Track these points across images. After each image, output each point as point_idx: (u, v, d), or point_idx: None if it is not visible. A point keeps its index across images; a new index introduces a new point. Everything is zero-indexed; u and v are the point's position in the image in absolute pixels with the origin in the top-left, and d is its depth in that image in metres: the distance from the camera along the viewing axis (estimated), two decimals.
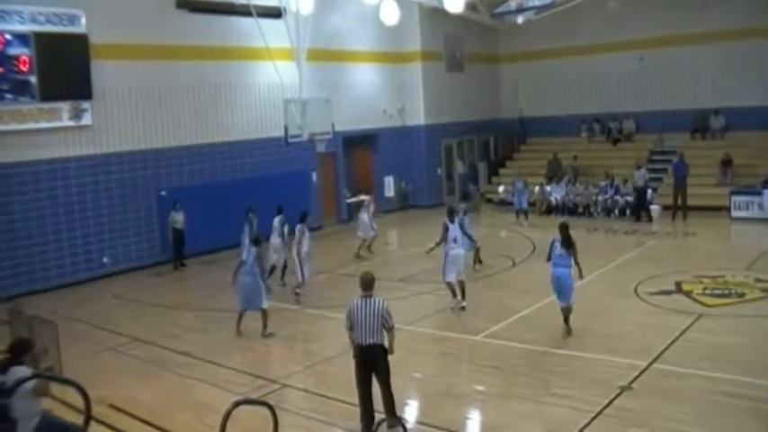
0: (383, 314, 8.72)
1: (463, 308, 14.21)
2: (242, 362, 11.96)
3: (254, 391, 10.26)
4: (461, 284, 14.43)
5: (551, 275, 12.50)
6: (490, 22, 30.17)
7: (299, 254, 15.90)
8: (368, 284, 8.96)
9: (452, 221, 14.52)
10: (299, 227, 16.07)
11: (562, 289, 12.37)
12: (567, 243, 12.56)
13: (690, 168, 24.28)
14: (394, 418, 8.74)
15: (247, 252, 13.51)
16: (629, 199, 24.59)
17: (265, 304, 13.34)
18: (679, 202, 23.84)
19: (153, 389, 11.04)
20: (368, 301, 8.81)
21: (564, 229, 12.81)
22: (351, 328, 8.92)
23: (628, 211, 24.41)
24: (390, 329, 8.83)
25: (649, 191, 24.83)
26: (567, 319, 12.44)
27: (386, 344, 8.86)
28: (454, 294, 14.41)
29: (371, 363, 8.84)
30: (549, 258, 12.65)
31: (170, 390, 11.03)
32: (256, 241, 13.64)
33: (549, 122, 31.68)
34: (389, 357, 8.99)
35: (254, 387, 10.64)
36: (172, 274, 19.71)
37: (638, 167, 24.57)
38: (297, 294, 15.91)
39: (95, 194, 19.12)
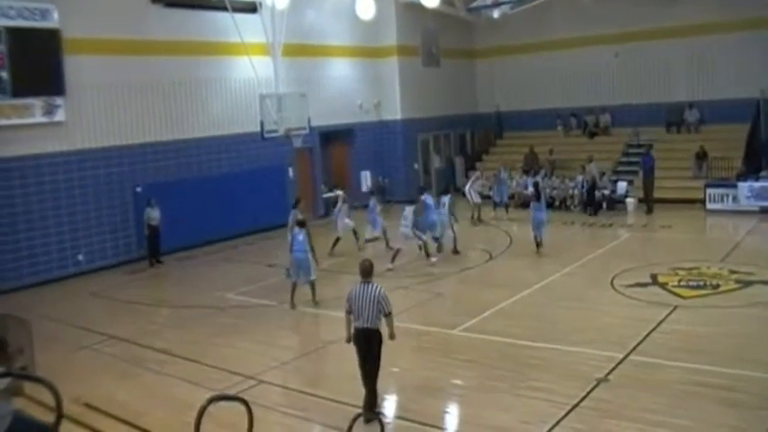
0: (380, 299, 9.16)
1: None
2: (219, 358, 11.88)
3: (231, 388, 10.19)
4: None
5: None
6: (466, 17, 30.20)
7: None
8: (367, 271, 9.44)
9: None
10: (292, 212, 17.26)
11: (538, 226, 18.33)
12: (537, 195, 18.51)
13: (657, 161, 24.50)
14: (371, 412, 8.85)
15: (297, 232, 14.83)
16: (606, 192, 24.74)
17: (314, 276, 14.72)
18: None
19: (129, 387, 10.96)
20: (366, 286, 9.28)
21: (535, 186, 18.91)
22: (349, 312, 9.35)
23: (604, 205, 24.53)
24: (388, 314, 9.27)
25: (625, 183, 25.01)
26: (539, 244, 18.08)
27: (382, 330, 9.26)
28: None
29: (366, 346, 9.24)
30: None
31: (147, 387, 10.95)
32: (303, 223, 15.02)
33: (525, 116, 31.79)
34: (390, 342, 9.39)
35: (231, 383, 10.57)
36: (148, 271, 19.55)
37: (590, 160, 24.68)
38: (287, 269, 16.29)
39: (69, 192, 18.90)
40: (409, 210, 18.08)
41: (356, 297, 9.24)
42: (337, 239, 20.15)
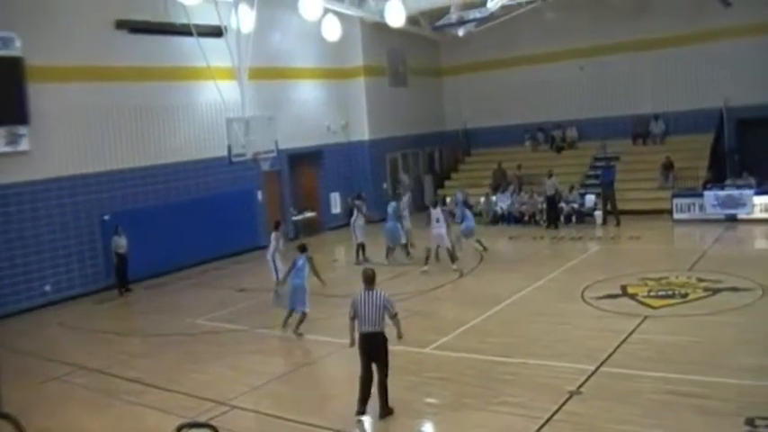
0: (385, 304, 9.72)
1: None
2: (191, 385, 11.75)
3: (202, 414, 10.08)
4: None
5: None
6: (432, 36, 30.40)
7: (273, 258, 17.20)
8: (369, 279, 9.92)
9: (434, 207, 19.26)
10: (273, 234, 17.55)
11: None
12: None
13: (624, 173, 24.83)
14: (386, 407, 9.70)
15: (297, 258, 14.40)
16: (575, 206, 24.93)
17: (308, 308, 14.31)
18: (609, 207, 24.20)
19: (100, 417, 10.79)
20: (370, 293, 9.78)
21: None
22: (353, 318, 9.88)
23: (574, 218, 24.71)
24: (394, 316, 9.89)
25: (593, 197, 25.21)
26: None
27: (387, 332, 9.76)
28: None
29: (372, 350, 9.67)
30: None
31: (118, 417, 10.78)
32: (304, 248, 14.70)
33: (493, 133, 32.01)
34: (398, 342, 10.10)
35: (203, 410, 10.45)
36: (117, 299, 19.32)
37: (550, 176, 24.79)
38: (276, 293, 16.61)
39: (35, 221, 18.65)
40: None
41: (361, 303, 9.71)
42: (361, 246, 20.95)
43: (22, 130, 18.11)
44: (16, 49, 17.91)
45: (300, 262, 14.33)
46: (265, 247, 18.32)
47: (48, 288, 18.87)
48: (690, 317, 13.20)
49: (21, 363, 13.64)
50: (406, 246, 20.77)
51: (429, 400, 10.40)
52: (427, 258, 19.20)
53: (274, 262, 17.22)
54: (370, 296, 9.74)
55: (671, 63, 27.25)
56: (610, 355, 11.28)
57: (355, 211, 21.50)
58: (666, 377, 10.18)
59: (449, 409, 10.00)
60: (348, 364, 10.92)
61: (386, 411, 9.70)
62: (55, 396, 11.92)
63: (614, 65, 28.46)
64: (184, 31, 20.56)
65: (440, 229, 18.76)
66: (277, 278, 16.67)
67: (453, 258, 18.76)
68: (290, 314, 14.45)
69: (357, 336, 9.87)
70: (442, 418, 9.86)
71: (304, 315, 14.25)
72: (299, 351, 13.58)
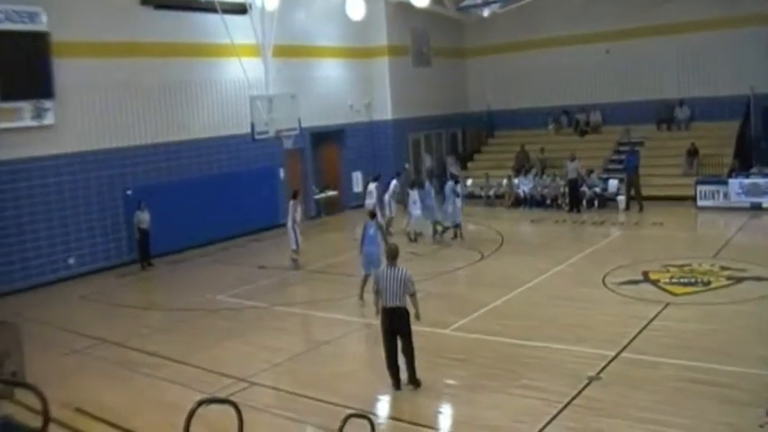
0: (405, 281, 9.88)
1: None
2: (209, 361, 11.82)
3: (221, 390, 10.15)
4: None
5: None
6: (456, 16, 30.21)
7: (293, 225, 18.22)
8: (392, 255, 10.17)
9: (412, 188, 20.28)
10: (291, 203, 18.55)
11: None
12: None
13: (648, 159, 24.56)
14: (415, 379, 9.97)
15: (368, 225, 15.15)
16: (598, 190, 24.77)
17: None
18: (632, 193, 24.02)
19: (120, 390, 10.89)
20: (393, 269, 10.01)
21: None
22: (377, 292, 10.08)
23: (596, 203, 24.56)
24: (413, 294, 10.00)
25: (616, 182, 25.02)
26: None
27: (409, 307, 9.95)
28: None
29: (395, 323, 9.89)
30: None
31: (137, 391, 10.89)
32: (373, 215, 16.03)
33: (516, 115, 31.81)
34: (416, 323, 10.06)
35: (221, 386, 10.53)
36: (139, 274, 19.47)
37: (572, 159, 24.62)
38: (294, 260, 18.36)
39: (60, 195, 18.82)
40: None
41: (384, 278, 9.96)
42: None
43: (47, 104, 18.21)
44: (42, 23, 17.98)
45: (372, 230, 15.04)
46: (285, 225, 18.70)
47: (71, 261, 19.05)
48: (712, 305, 13.09)
49: (43, 334, 13.79)
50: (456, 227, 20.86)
51: (448, 380, 10.42)
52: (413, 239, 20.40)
53: (294, 231, 18.17)
54: (392, 272, 9.96)
55: (697, 48, 26.84)
56: (630, 341, 11.22)
57: (393, 186, 22.03)
58: (687, 365, 10.11)
59: (467, 390, 10.01)
60: (368, 343, 11.01)
61: (414, 382, 9.95)
62: (76, 368, 12.04)
63: (640, 49, 28.07)
64: (209, 7, 20.54)
65: (417, 210, 20.00)
66: (296, 246, 18.23)
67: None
68: (365, 280, 14.50)
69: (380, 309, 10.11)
70: (461, 399, 9.88)
71: None
72: (319, 329, 13.63)
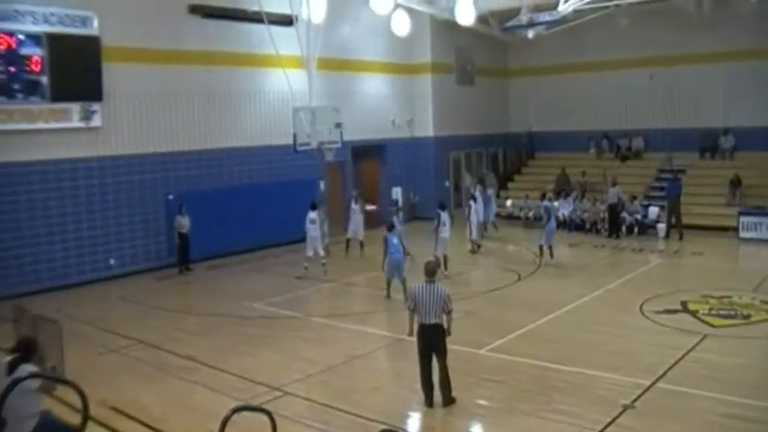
0: (444, 298, 9.86)
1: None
2: (243, 368, 11.91)
3: (254, 398, 10.22)
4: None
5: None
6: (501, 36, 30.14)
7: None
8: (432, 271, 10.19)
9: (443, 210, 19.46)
10: (312, 214, 19.22)
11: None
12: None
13: (689, 187, 24.28)
14: (449, 396, 9.94)
15: (390, 235, 16.60)
16: (638, 217, 24.53)
17: (405, 275, 16.18)
18: (673, 221, 23.76)
19: (155, 392, 11.03)
20: (431, 285, 9.96)
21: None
22: (413, 309, 10.08)
23: (636, 229, 24.31)
24: (449, 312, 9.96)
25: (656, 209, 24.76)
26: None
27: (445, 325, 9.95)
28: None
29: (433, 341, 9.91)
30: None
31: (171, 393, 11.02)
32: (392, 227, 17.04)
33: (557, 137, 31.64)
34: (415, 359, 10.05)
35: (254, 394, 10.60)
36: (177, 277, 19.71)
37: (613, 185, 24.39)
38: (323, 265, 19.08)
39: (103, 196, 19.16)
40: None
41: (421, 295, 9.89)
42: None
43: (95, 106, 18.61)
44: (94, 28, 18.43)
45: (396, 240, 16.32)
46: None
47: (112, 262, 19.37)
48: (751, 339, 12.89)
49: (82, 333, 14.00)
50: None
51: (480, 401, 10.37)
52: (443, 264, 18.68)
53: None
54: (430, 288, 9.91)
55: (743, 77, 26.51)
56: (666, 371, 11.07)
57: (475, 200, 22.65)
58: (722, 399, 9.96)
59: (499, 412, 9.96)
60: (400, 358, 11.00)
61: (448, 400, 9.94)
62: (112, 367, 12.23)
63: (685, 76, 27.82)
64: (255, 18, 20.85)
65: (445, 233, 19.20)
66: (314, 254, 18.96)
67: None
68: (389, 283, 16.36)
69: (416, 327, 10.05)
70: (492, 420, 9.85)
71: (405, 281, 15.87)
72: (353, 342, 13.62)
